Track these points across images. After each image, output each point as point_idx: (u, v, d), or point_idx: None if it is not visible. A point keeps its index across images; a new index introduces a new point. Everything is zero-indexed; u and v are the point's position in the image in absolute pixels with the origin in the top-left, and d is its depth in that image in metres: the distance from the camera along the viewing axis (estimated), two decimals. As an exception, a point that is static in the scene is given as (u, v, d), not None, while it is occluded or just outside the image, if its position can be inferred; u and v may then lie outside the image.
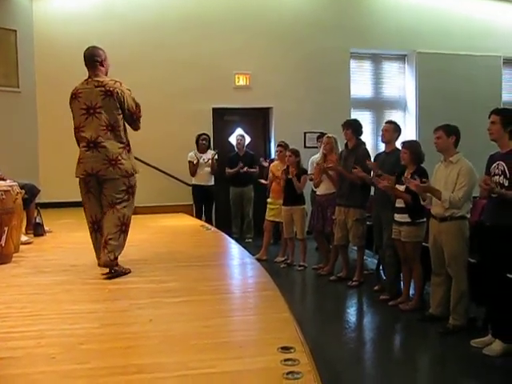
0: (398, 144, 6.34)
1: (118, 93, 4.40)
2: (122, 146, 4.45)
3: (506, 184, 4.49)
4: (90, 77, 4.55)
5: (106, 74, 4.60)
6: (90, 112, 4.39)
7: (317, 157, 8.54)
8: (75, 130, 4.50)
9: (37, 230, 6.34)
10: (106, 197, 4.43)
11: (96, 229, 4.50)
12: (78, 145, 4.52)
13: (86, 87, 4.47)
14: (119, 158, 4.39)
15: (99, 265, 4.38)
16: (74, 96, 4.50)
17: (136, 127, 4.64)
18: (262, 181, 8.85)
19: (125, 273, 4.38)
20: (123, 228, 4.42)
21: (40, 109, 9.54)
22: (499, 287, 4.52)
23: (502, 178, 4.54)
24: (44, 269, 4.59)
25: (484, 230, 4.75)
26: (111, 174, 4.37)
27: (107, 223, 4.40)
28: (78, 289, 3.97)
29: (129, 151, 4.53)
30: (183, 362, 2.51)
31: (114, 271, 4.32)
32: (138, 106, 4.55)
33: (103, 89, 4.40)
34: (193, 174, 9.47)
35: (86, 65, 4.60)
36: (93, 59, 4.57)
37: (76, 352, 2.65)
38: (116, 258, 4.34)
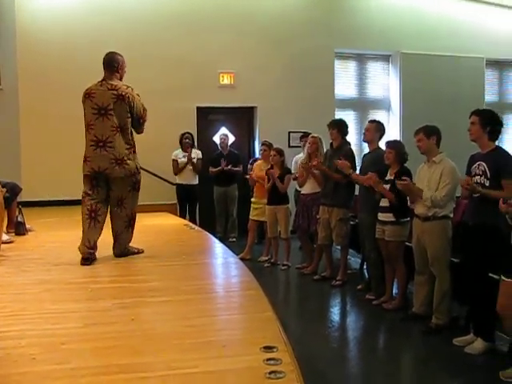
0: (382, 144, 6.36)
1: (129, 98, 4.72)
2: (128, 147, 4.80)
3: (487, 184, 4.53)
4: (104, 79, 4.82)
5: (121, 79, 4.91)
6: (102, 113, 4.67)
7: (300, 156, 8.56)
8: (86, 127, 4.81)
9: (18, 228, 6.27)
10: (114, 195, 4.81)
11: (93, 216, 4.76)
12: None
13: (99, 88, 4.74)
14: (125, 158, 4.74)
15: (82, 252, 4.66)
16: (88, 95, 4.75)
17: (141, 130, 5.04)
18: (250, 173, 8.75)
19: (137, 252, 4.98)
20: (131, 222, 4.94)
21: (22, 106, 9.43)
22: (481, 286, 4.56)
23: (482, 178, 4.58)
24: (25, 268, 4.54)
25: (466, 229, 4.78)
26: (117, 173, 4.72)
27: (117, 220, 4.88)
28: (60, 288, 3.93)
29: (134, 152, 4.87)
30: (166, 362, 2.49)
31: (127, 251, 4.93)
32: (145, 110, 4.90)
33: (116, 92, 4.70)
34: (177, 173, 9.45)
35: (104, 67, 4.88)
36: (111, 64, 4.86)
37: (57, 352, 2.62)
38: (126, 248, 4.92)
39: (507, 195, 4.26)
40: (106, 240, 4.95)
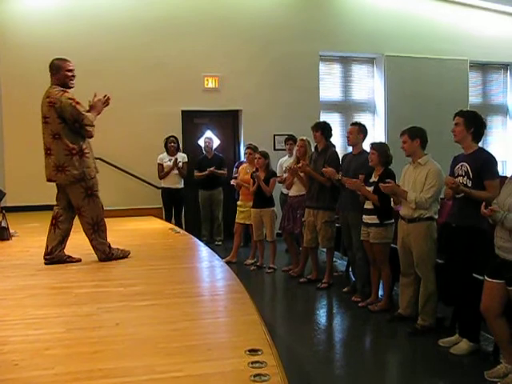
0: (366, 145, 6.39)
1: (55, 104, 4.66)
2: (67, 153, 4.71)
3: (470, 185, 4.56)
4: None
5: (63, 85, 4.80)
6: (43, 121, 4.76)
7: (286, 159, 8.56)
8: None
9: (2, 233, 6.22)
10: (72, 203, 4.86)
11: (53, 223, 4.88)
12: None
13: (43, 97, 4.79)
14: (66, 164, 4.71)
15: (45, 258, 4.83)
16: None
17: (87, 134, 4.82)
18: (232, 181, 8.77)
19: (123, 256, 4.99)
20: (95, 228, 4.86)
21: (5, 110, 9.39)
22: (466, 287, 4.58)
23: (465, 178, 4.61)
24: (9, 273, 4.50)
25: (450, 230, 4.80)
26: (60, 180, 4.78)
27: (82, 227, 4.93)
28: (44, 293, 3.91)
29: (81, 157, 4.76)
30: (151, 366, 2.48)
31: (111, 255, 4.93)
32: (81, 114, 4.68)
33: (48, 99, 4.72)
34: (162, 177, 9.44)
35: None
36: (50, 71, 4.83)
37: (40, 358, 2.60)
38: (108, 252, 4.91)
39: (490, 196, 4.29)
40: (85, 245, 4.96)
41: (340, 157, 7.03)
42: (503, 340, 4.11)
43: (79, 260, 4.92)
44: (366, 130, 6.56)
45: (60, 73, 4.78)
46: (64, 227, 4.86)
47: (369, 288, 6.25)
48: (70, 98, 4.67)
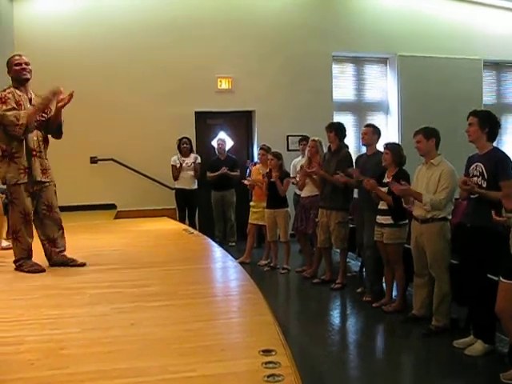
0: (379, 146, 6.38)
1: None
2: (1, 154, 4.60)
3: (484, 185, 4.53)
4: None
5: (17, 80, 4.67)
6: None
7: (299, 160, 8.56)
8: None
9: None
10: None
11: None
12: None
13: None
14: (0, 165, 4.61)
15: None
16: None
17: (11, 134, 4.53)
18: (245, 181, 8.78)
19: (28, 271, 4.60)
20: (14, 236, 4.69)
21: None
22: (480, 288, 4.56)
23: (480, 179, 4.58)
24: (24, 274, 4.54)
25: (464, 231, 4.78)
26: None
27: None
28: (59, 294, 3.93)
29: (10, 160, 4.57)
30: (164, 366, 2.49)
31: (17, 267, 4.68)
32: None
33: None
34: (175, 178, 9.47)
35: None
36: None
37: (55, 357, 2.62)
38: (16, 262, 4.67)
39: (505, 196, 4.26)
40: (105, 246, 4.96)
41: (353, 157, 7.03)
42: None
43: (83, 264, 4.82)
44: (379, 131, 6.57)
45: (11, 70, 4.68)
46: (41, 231, 4.81)
47: (379, 287, 6.23)
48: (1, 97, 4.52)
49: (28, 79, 4.69)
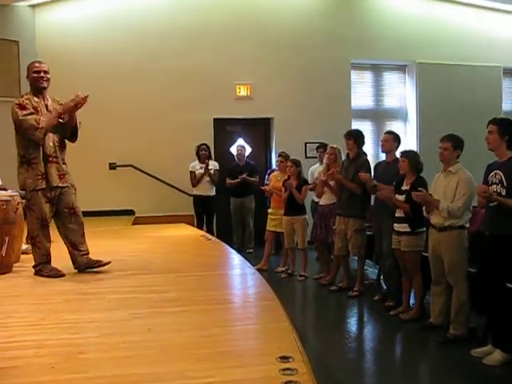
0: (399, 154, 6.37)
1: (12, 108, 4.59)
2: (19, 159, 4.67)
3: (504, 193, 4.50)
4: None
5: (35, 87, 4.75)
6: None
7: (316, 167, 8.56)
8: None
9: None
10: None
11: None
12: None
13: None
14: (18, 171, 4.69)
15: None
16: None
17: (31, 139, 4.56)
18: (264, 187, 8.80)
19: (48, 276, 4.64)
20: (32, 241, 4.76)
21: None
22: (499, 297, 4.52)
23: (499, 186, 4.56)
24: (44, 279, 4.59)
25: (483, 239, 4.75)
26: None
27: None
28: (78, 298, 3.97)
29: (28, 166, 4.63)
30: (182, 372, 2.51)
31: (36, 272, 4.73)
32: (17, 118, 4.53)
33: None
34: (194, 184, 9.50)
35: None
36: None
37: (75, 361, 2.65)
38: (36, 266, 4.74)
39: None
40: (123, 252, 4.98)
41: (371, 165, 7.02)
42: None
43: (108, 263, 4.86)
44: (399, 138, 6.58)
45: (29, 75, 4.74)
46: (65, 235, 4.85)
47: (400, 294, 6.21)
48: (17, 104, 4.58)
49: (45, 88, 4.75)
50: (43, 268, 4.70)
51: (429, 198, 5.26)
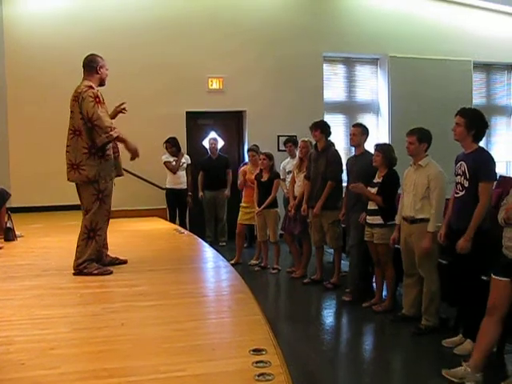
0: (367, 146, 6.40)
1: (79, 98, 4.49)
2: (86, 151, 4.50)
3: (466, 184, 4.56)
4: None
5: (102, 81, 4.78)
6: (70, 116, 4.60)
7: (288, 161, 8.52)
8: None
9: (7, 234, 6.26)
10: (82, 203, 4.63)
11: (91, 236, 4.65)
12: None
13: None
14: (82, 163, 4.49)
15: None
16: None
17: (98, 140, 4.51)
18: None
19: (96, 273, 4.48)
20: (91, 234, 4.56)
21: (10, 112, 9.40)
22: (471, 288, 4.57)
23: (462, 178, 4.61)
24: (14, 274, 4.54)
25: (454, 231, 4.79)
26: (72, 179, 4.57)
27: (80, 230, 4.62)
28: (50, 294, 3.93)
29: (99, 157, 4.55)
30: (155, 366, 2.50)
31: (79, 271, 4.50)
32: (94, 113, 4.44)
33: (74, 94, 4.55)
34: (175, 171, 9.41)
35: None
36: (88, 65, 4.73)
37: (46, 357, 2.62)
38: (80, 264, 4.50)
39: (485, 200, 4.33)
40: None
41: (342, 156, 7.01)
42: (488, 343, 4.06)
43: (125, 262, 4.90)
44: (368, 131, 6.58)
45: (100, 69, 4.73)
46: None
47: (363, 286, 6.31)
48: (92, 96, 4.48)
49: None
50: (90, 265, 4.52)
51: (365, 191, 5.32)
